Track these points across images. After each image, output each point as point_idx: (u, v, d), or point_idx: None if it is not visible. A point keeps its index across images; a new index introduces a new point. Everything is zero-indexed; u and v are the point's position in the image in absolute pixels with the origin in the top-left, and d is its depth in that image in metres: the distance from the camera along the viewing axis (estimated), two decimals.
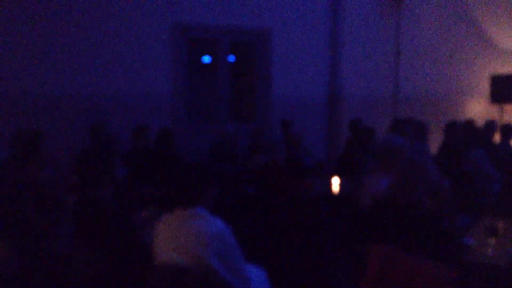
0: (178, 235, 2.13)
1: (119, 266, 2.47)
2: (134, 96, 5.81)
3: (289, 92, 6.66)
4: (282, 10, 6.59)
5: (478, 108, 7.82)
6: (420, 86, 7.46)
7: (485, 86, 7.70)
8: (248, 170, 4.52)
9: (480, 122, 6.32)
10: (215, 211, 2.24)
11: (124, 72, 5.74)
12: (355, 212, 3.41)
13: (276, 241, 3.49)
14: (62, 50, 5.44)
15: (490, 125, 6.08)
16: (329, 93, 6.92)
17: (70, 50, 5.48)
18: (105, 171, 2.76)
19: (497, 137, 5.87)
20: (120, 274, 2.46)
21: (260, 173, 4.12)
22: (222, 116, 6.52)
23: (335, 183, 4.30)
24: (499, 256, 2.56)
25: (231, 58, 6.61)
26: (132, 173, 4.29)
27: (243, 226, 3.16)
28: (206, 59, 6.72)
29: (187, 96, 6.22)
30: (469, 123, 5.90)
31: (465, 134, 5.32)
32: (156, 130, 4.91)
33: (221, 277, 2.06)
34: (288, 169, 4.23)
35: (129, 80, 5.77)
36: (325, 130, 6.98)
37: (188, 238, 2.09)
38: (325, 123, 6.97)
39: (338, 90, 6.87)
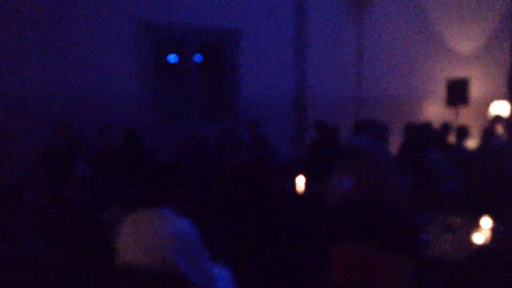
0: (143, 236, 2.10)
1: (83, 266, 2.41)
2: (99, 95, 5.67)
3: (255, 92, 6.67)
4: (249, 11, 6.60)
5: (434, 111, 8.08)
6: (381, 89, 7.64)
7: (441, 89, 7.97)
8: (219, 170, 4.50)
9: (436, 124, 6.54)
10: (184, 211, 2.21)
11: (89, 71, 5.59)
12: (321, 211, 3.45)
13: (244, 240, 3.49)
14: (23, 47, 5.24)
15: (446, 127, 6.31)
16: (295, 94, 6.98)
17: (32, 47, 5.29)
18: (68, 170, 2.69)
19: (452, 138, 6.10)
20: (84, 274, 2.40)
21: (234, 173, 4.10)
22: (190, 116, 6.46)
23: (300, 182, 4.34)
24: (455, 252, 2.65)
25: (198, 58, 6.57)
26: (97, 172, 4.19)
27: (212, 226, 3.15)
28: (172, 58, 6.64)
29: (153, 95, 6.13)
30: (427, 125, 6.09)
31: (423, 135, 5.49)
32: (122, 129, 4.81)
33: (186, 277, 2.05)
34: (256, 168, 4.24)
35: (94, 78, 5.63)
36: (291, 130, 7.04)
37: (153, 239, 2.06)
38: (291, 124, 7.03)
39: (303, 91, 6.94)
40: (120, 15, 5.73)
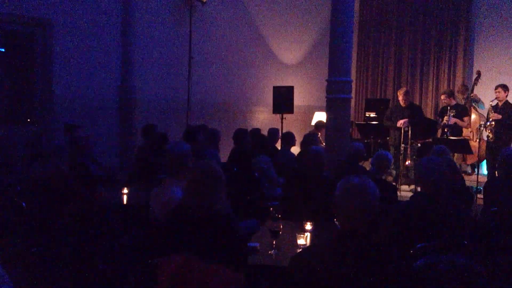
0: None
1: None
2: None
3: (75, 92, 6.25)
4: (66, 0, 6.16)
5: (262, 117, 8.69)
6: (212, 94, 7.91)
7: (268, 96, 8.61)
8: (26, 180, 4.05)
9: (264, 130, 7.04)
10: None
11: None
12: (148, 222, 3.38)
13: (59, 257, 3.21)
14: None
15: (273, 133, 6.83)
16: (120, 96, 6.75)
17: None
18: None
19: (278, 144, 6.63)
20: None
21: (41, 184, 3.74)
22: None
23: (127, 192, 4.22)
24: (280, 256, 2.87)
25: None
26: None
27: (17, 245, 2.82)
28: None
29: None
30: (256, 131, 6.51)
31: (252, 141, 5.84)
32: None
33: None
34: (74, 178, 3.95)
35: None
36: (116, 135, 6.78)
37: None
38: (116, 128, 6.77)
39: (130, 93, 6.75)
40: None
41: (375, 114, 8.41)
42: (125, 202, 4.14)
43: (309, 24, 8.98)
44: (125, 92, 6.72)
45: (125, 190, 4.22)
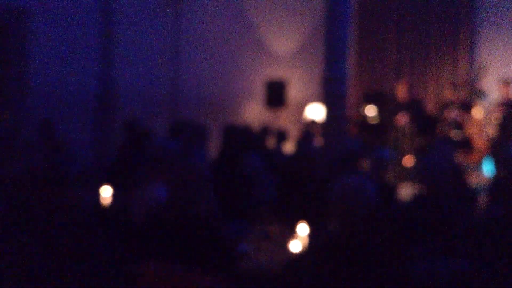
0: None
1: None
2: None
3: (50, 85, 6.19)
4: None
5: (254, 113, 8.64)
6: (199, 87, 7.85)
7: (260, 90, 8.56)
8: None
9: (255, 126, 7.00)
10: None
11: None
12: (128, 227, 3.34)
13: (33, 263, 3.16)
14: None
15: (265, 130, 6.80)
16: (99, 89, 6.69)
17: None
18: None
19: (271, 142, 6.60)
20: None
21: (18, 183, 3.69)
22: None
23: (106, 193, 4.17)
24: (272, 261, 2.84)
25: None
26: None
27: None
28: None
29: None
30: (247, 128, 6.48)
31: (242, 138, 5.80)
32: None
33: None
34: (48, 178, 3.90)
35: None
36: (94, 131, 6.72)
37: None
38: (94, 124, 6.71)
39: (110, 86, 6.69)
40: None
41: (374, 109, 8.37)
42: (102, 203, 4.09)
43: (303, 12, 8.93)
44: (104, 85, 6.68)
45: (103, 191, 4.17)
